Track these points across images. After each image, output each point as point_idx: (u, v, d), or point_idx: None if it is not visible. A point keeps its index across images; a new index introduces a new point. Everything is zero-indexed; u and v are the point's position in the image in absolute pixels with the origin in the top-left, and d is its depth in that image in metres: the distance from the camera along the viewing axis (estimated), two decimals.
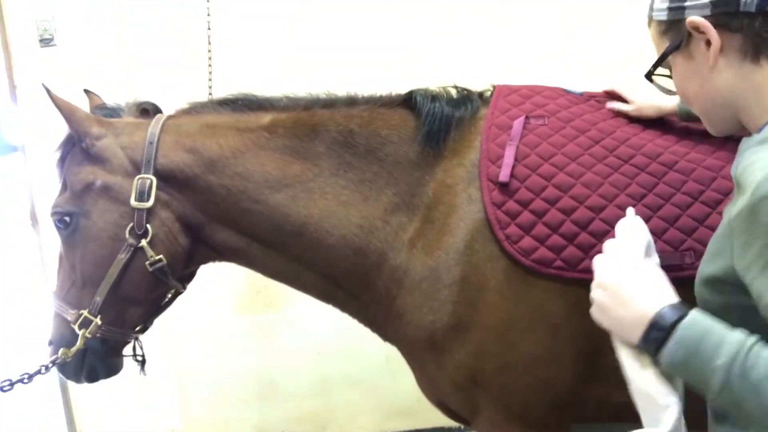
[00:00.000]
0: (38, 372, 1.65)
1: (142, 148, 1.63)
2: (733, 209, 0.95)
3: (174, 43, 2.84)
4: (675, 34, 1.05)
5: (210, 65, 2.41)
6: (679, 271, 1.35)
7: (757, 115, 1.01)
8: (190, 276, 1.80)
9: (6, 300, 3.14)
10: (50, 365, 1.66)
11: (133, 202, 1.60)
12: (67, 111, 1.64)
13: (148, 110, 1.77)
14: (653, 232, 1.21)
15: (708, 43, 1.00)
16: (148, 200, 1.60)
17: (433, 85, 1.69)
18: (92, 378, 1.74)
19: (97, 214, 1.63)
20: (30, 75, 2.82)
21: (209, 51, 2.43)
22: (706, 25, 0.99)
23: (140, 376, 1.81)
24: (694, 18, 1.00)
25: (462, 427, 3.00)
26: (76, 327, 1.63)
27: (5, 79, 2.86)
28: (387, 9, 2.86)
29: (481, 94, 1.69)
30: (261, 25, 2.86)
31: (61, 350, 1.64)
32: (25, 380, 1.65)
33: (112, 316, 1.65)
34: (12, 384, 1.63)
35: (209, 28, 2.47)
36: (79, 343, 1.62)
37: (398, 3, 2.86)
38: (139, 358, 1.79)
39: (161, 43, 2.86)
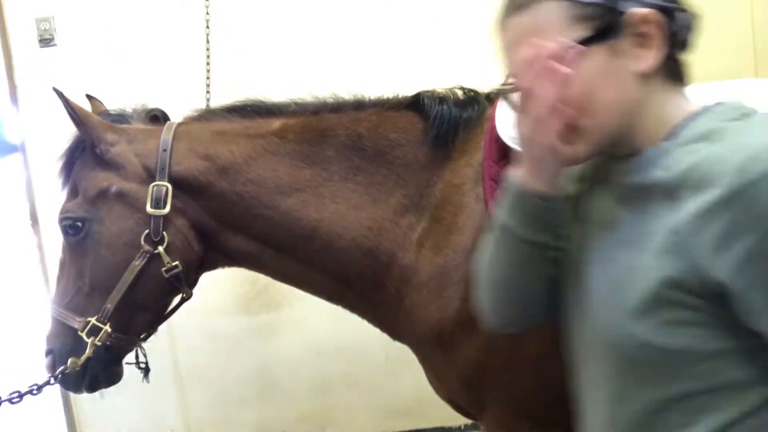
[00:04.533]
0: (47, 383, 1.63)
1: (155, 155, 1.62)
2: (680, 214, 0.83)
3: (173, 42, 2.84)
4: (601, 22, 0.87)
5: (208, 64, 2.41)
6: None
7: (653, 130, 0.90)
8: (195, 281, 1.78)
9: (5, 300, 3.13)
10: (59, 375, 1.62)
11: (149, 209, 1.59)
12: (81, 116, 1.63)
13: (158, 117, 1.76)
14: None
15: (641, 41, 0.86)
16: (164, 207, 1.59)
17: (439, 86, 1.70)
18: (93, 387, 1.71)
19: (111, 221, 1.62)
20: (30, 75, 2.82)
21: (208, 50, 2.43)
22: (660, 22, 0.85)
23: (143, 383, 1.79)
24: (644, 10, 0.85)
25: (462, 426, 3.03)
26: (83, 335, 1.61)
27: (5, 79, 2.85)
28: (387, 9, 2.87)
29: (488, 95, 1.68)
30: (261, 25, 2.86)
31: (70, 360, 1.61)
32: (34, 392, 1.62)
33: (120, 323, 1.63)
34: (21, 396, 1.62)
35: (208, 27, 2.47)
36: (88, 351, 1.60)
37: (399, 3, 2.87)
38: (143, 365, 1.77)
39: (161, 42, 2.85)
